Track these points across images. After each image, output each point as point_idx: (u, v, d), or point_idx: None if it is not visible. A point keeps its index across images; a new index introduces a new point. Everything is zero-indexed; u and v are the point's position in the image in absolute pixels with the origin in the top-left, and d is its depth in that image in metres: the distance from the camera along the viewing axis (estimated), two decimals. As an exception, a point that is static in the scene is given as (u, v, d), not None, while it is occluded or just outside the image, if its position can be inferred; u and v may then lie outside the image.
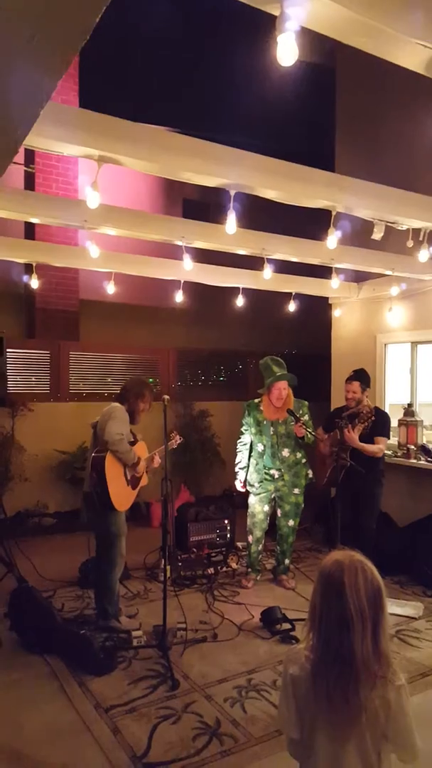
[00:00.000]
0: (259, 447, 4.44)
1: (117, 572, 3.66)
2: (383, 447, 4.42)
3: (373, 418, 4.28)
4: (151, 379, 7.23)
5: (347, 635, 1.30)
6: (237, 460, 4.57)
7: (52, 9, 1.02)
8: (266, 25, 1.58)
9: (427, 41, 1.61)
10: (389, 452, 5.11)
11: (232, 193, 2.70)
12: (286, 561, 4.56)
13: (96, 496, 3.49)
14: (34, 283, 4.62)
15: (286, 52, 1.36)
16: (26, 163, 6.51)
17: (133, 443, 3.71)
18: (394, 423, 5.40)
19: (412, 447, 5.20)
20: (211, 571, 4.67)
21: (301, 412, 4.37)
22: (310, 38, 1.76)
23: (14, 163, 1.82)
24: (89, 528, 3.87)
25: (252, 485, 4.47)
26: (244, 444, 4.55)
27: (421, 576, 4.52)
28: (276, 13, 1.39)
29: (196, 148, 2.52)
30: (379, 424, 4.36)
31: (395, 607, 4.01)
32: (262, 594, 4.30)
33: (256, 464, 4.45)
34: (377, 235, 3.30)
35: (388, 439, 4.57)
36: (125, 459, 3.58)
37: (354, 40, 1.68)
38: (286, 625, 3.63)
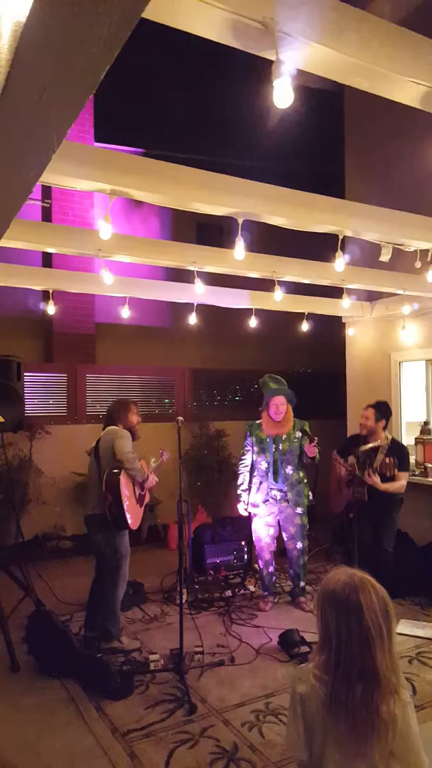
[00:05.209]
0: (263, 466, 4.41)
1: (120, 593, 3.69)
2: (404, 482, 4.34)
3: (396, 470, 4.15)
4: (167, 400, 7.31)
5: (369, 652, 1.32)
6: (239, 482, 4.53)
7: (60, 67, 1.10)
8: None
9: (419, 79, 1.68)
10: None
11: (240, 221, 2.77)
12: (301, 583, 4.51)
13: (111, 517, 3.51)
14: (51, 309, 4.72)
15: (282, 95, 1.43)
16: (43, 194, 6.75)
17: None
18: (410, 441, 5.38)
19: (430, 465, 5.15)
20: (228, 593, 4.63)
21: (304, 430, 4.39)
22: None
23: (31, 200, 1.92)
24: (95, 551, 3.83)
25: (256, 506, 4.43)
26: (246, 465, 4.53)
27: (441, 597, 4.43)
28: (272, 58, 1.47)
29: (203, 179, 2.61)
30: (398, 459, 4.32)
31: (415, 629, 3.93)
32: (281, 617, 4.26)
33: (260, 484, 4.41)
34: (385, 257, 3.35)
35: (408, 472, 4.50)
36: (138, 476, 3.66)
37: (350, 80, 1.76)
38: (305, 648, 3.59)
